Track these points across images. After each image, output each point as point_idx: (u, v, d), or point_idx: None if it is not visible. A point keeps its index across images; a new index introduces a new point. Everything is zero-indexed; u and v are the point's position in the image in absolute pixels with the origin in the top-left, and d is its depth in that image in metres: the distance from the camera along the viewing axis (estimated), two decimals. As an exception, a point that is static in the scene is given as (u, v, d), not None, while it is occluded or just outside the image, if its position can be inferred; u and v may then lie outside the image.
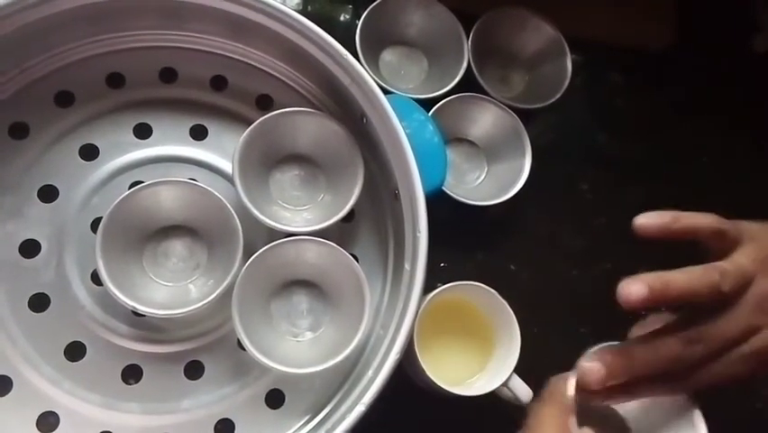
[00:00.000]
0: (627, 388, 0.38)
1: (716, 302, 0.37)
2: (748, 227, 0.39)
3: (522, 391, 0.44)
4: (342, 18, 0.61)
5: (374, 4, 0.56)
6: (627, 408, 0.42)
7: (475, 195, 0.54)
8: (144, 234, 0.45)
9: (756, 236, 0.39)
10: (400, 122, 0.44)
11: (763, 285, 0.37)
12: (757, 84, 0.67)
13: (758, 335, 0.37)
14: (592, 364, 0.36)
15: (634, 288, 0.35)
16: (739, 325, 0.37)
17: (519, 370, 0.44)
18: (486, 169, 0.58)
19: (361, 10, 0.56)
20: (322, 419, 0.43)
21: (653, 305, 0.35)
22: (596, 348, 0.38)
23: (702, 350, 0.36)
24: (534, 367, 0.42)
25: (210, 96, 0.51)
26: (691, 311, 0.38)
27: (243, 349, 0.41)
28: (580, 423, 0.35)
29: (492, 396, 0.43)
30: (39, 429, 0.41)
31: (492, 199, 0.53)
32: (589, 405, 0.37)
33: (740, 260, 0.37)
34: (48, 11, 0.43)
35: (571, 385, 0.36)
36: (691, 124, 0.65)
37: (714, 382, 0.37)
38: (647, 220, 0.38)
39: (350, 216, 0.49)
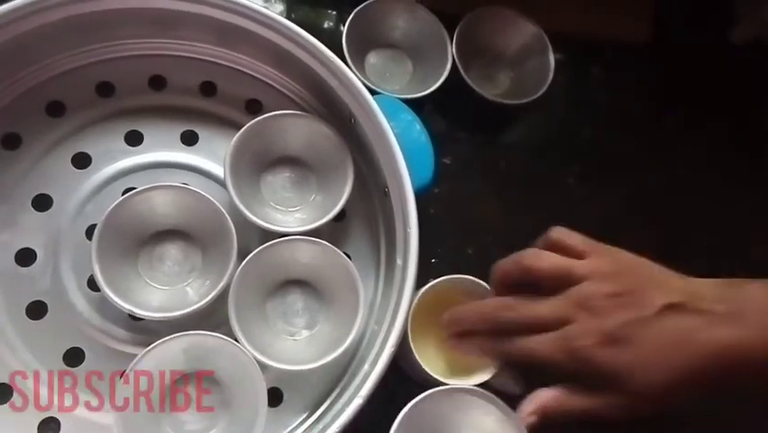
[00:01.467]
0: (460, 338, 0.44)
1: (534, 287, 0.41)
2: (599, 247, 0.42)
3: (513, 380, 0.45)
4: (325, 25, 0.62)
5: (359, 7, 0.57)
6: None
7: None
8: (139, 240, 0.45)
9: (603, 253, 0.42)
10: (388, 122, 0.45)
11: (590, 289, 0.40)
12: (736, 74, 0.68)
13: (569, 325, 0.39)
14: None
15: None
16: (552, 310, 0.40)
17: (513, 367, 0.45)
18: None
19: (345, 15, 0.57)
20: (320, 415, 0.44)
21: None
22: None
23: (512, 316, 0.41)
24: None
25: (200, 101, 0.51)
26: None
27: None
28: None
29: (485, 387, 0.44)
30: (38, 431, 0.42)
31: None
32: None
33: (574, 264, 0.41)
34: (36, 22, 0.44)
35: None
36: (673, 115, 0.67)
37: (523, 355, 0.41)
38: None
39: (341, 216, 0.50)
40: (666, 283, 0.40)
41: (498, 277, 0.44)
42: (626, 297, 0.39)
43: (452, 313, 0.44)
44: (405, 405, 0.40)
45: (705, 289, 0.40)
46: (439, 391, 0.41)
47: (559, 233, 0.43)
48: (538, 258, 0.42)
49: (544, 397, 0.40)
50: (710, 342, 0.37)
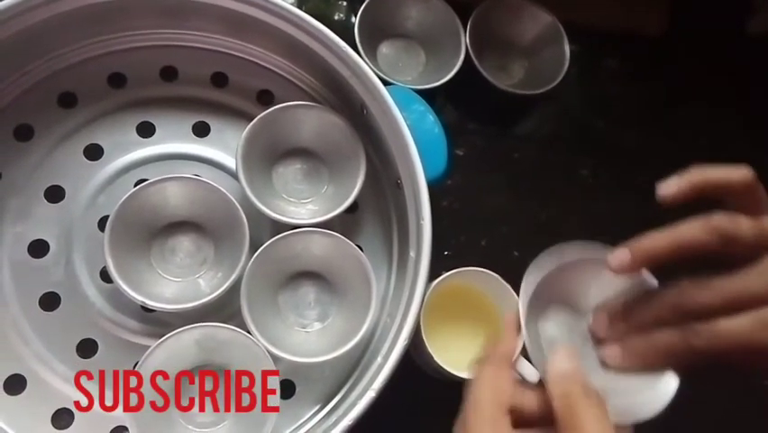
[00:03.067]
0: (640, 334, 0.34)
1: (731, 256, 0.32)
2: None
3: (529, 373, 0.44)
4: (336, 17, 0.62)
5: (371, -2, 0.56)
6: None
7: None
8: (151, 231, 0.45)
9: None
10: (401, 112, 0.44)
11: None
12: (752, 66, 0.67)
13: None
14: (596, 316, 0.36)
15: (616, 254, 0.34)
16: (761, 279, 0.31)
17: (526, 354, 0.44)
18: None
19: (357, 6, 0.56)
20: (333, 407, 0.44)
21: (645, 264, 0.34)
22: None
23: (710, 296, 0.32)
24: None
25: (211, 93, 0.51)
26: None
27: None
28: None
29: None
30: (54, 426, 0.42)
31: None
32: None
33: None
34: (47, 13, 0.44)
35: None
36: (688, 107, 0.66)
37: (734, 343, 0.31)
38: (668, 188, 0.36)
39: (353, 208, 0.49)
40: None
41: (672, 248, 0.33)
42: None
43: (607, 311, 0.35)
44: (416, 397, 0.39)
45: None
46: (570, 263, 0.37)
47: (751, 177, 0.35)
48: (738, 222, 0.33)
49: None
50: None
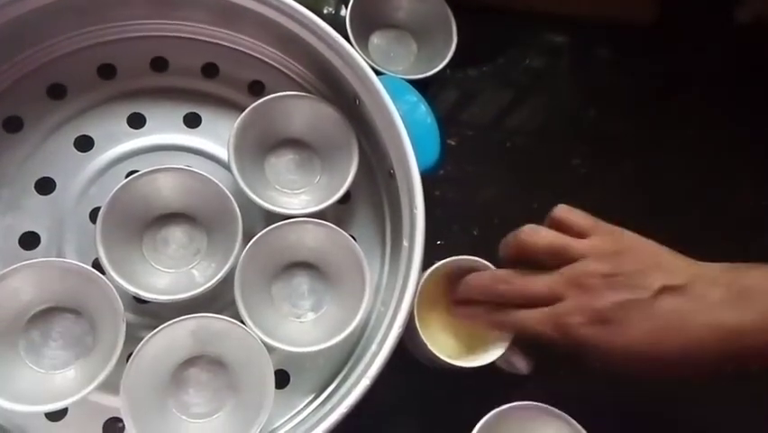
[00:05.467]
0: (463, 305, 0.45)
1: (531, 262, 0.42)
2: (602, 226, 0.42)
3: (520, 361, 0.45)
4: (326, 11, 0.62)
5: (362, -13, 0.56)
6: None
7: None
8: (143, 223, 0.45)
9: (605, 232, 0.42)
10: (393, 102, 0.44)
11: (587, 267, 0.40)
12: (741, 55, 0.67)
13: (561, 302, 0.40)
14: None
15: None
16: (546, 286, 0.40)
17: (517, 341, 0.45)
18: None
19: (347, -1, 0.56)
20: (327, 396, 0.44)
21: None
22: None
23: (507, 289, 0.42)
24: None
25: (202, 83, 0.51)
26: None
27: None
28: None
29: (492, 367, 0.44)
30: (48, 419, 0.42)
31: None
32: None
33: (571, 242, 0.41)
34: (36, 3, 0.44)
35: None
36: (678, 96, 0.66)
37: (516, 327, 0.42)
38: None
39: (346, 198, 0.49)
40: (669, 265, 0.40)
41: (502, 253, 0.44)
42: (621, 277, 0.39)
43: (463, 281, 0.45)
44: (410, 385, 0.40)
45: (709, 271, 0.39)
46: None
47: (562, 211, 0.43)
48: (535, 234, 0.42)
49: None
50: (710, 325, 0.37)
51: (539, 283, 0.41)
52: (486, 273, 0.44)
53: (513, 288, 0.42)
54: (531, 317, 0.41)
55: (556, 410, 0.42)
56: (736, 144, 0.65)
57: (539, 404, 0.42)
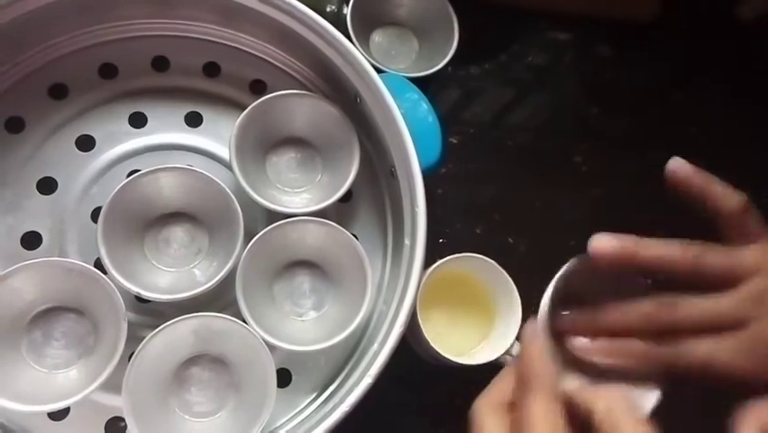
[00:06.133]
0: (607, 347, 0.36)
1: (700, 282, 0.34)
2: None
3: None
4: (328, 9, 0.61)
5: (364, -15, 0.56)
6: None
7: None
8: (145, 222, 0.45)
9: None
10: (394, 100, 0.44)
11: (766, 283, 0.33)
12: (743, 51, 0.67)
13: (753, 326, 0.32)
14: (565, 314, 0.36)
15: (604, 239, 0.35)
16: (730, 307, 0.33)
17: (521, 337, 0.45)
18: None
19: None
20: (329, 395, 0.44)
21: (623, 264, 0.34)
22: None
23: (677, 314, 0.34)
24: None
25: (203, 82, 0.51)
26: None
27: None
28: None
29: (496, 365, 0.44)
30: (50, 418, 0.42)
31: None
32: None
33: (743, 253, 0.34)
34: (37, 3, 0.43)
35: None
36: (680, 93, 0.66)
37: (702, 364, 0.33)
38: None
39: (348, 196, 0.49)
40: None
41: (647, 260, 0.35)
42: None
43: (593, 312, 0.36)
44: (413, 382, 0.39)
45: None
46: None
47: (736, 205, 0.35)
48: (712, 252, 0.34)
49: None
50: None
51: (722, 305, 0.33)
52: (645, 300, 0.35)
53: (694, 313, 0.33)
54: (721, 349, 0.32)
55: None
56: (738, 141, 0.65)
57: None
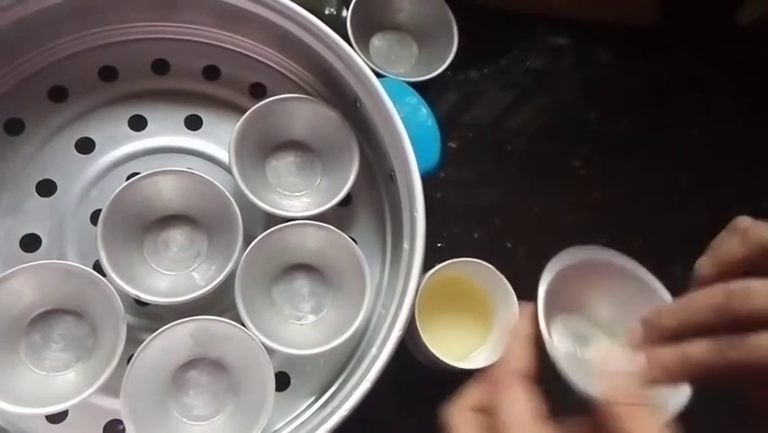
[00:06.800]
0: (671, 344, 0.31)
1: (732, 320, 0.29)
2: None
3: None
4: (327, 11, 0.62)
5: (363, -10, 0.56)
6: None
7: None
8: (144, 225, 0.45)
9: None
10: (394, 105, 0.44)
11: None
12: (742, 56, 0.67)
13: None
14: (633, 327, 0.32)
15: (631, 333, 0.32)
16: None
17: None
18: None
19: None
20: (328, 399, 0.44)
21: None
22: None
23: (756, 303, 0.28)
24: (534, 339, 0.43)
25: (203, 85, 0.51)
26: None
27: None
28: None
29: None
30: (48, 421, 0.42)
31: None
32: None
33: None
34: (38, 6, 0.44)
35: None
36: (679, 98, 0.66)
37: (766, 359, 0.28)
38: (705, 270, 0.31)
39: (347, 200, 0.49)
40: None
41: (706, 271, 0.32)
42: None
43: (653, 314, 0.32)
44: (411, 387, 0.39)
45: None
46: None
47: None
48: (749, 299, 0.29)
49: None
50: None
51: None
52: (710, 291, 0.30)
53: (765, 300, 0.28)
54: None
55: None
56: (737, 145, 0.65)
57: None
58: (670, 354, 0.30)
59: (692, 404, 0.32)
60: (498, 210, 0.57)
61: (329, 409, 0.40)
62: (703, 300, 0.30)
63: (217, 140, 0.50)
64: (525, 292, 0.46)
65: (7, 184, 0.45)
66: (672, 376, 0.30)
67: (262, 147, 0.48)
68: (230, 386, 0.42)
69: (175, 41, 0.50)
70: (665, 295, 0.36)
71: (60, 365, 0.41)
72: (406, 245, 0.43)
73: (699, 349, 0.29)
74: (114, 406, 0.42)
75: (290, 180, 0.49)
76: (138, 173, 0.43)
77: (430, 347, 0.43)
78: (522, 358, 0.32)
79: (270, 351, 0.40)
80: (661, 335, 0.31)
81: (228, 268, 0.42)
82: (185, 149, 0.49)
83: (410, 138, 0.43)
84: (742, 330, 0.28)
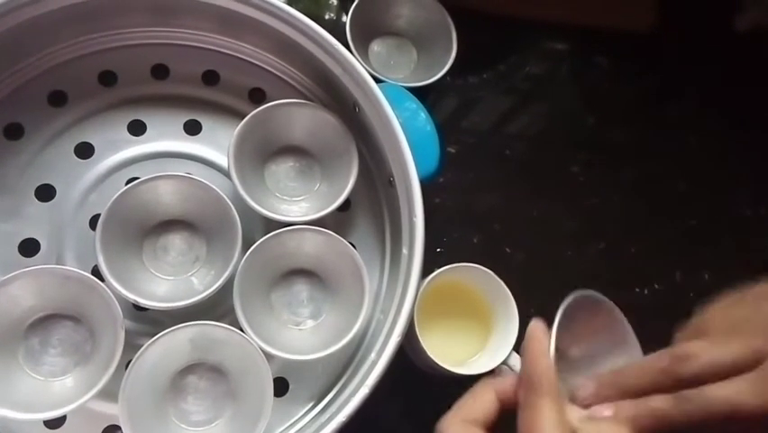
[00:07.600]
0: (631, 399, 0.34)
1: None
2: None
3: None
4: (327, 17, 0.62)
5: (363, -5, 0.57)
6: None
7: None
8: (143, 230, 0.45)
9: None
10: (393, 110, 0.44)
11: None
12: (739, 63, 0.68)
13: None
14: (584, 381, 0.35)
15: (583, 387, 0.35)
16: (744, 346, 0.32)
17: (518, 348, 0.45)
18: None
19: (348, 5, 0.56)
20: (326, 404, 0.44)
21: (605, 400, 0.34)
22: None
23: (694, 366, 0.32)
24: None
25: (203, 91, 0.51)
26: None
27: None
28: None
29: (493, 374, 0.44)
30: (46, 426, 0.42)
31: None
32: None
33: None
34: (37, 11, 0.44)
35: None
36: (677, 104, 0.66)
37: (728, 410, 0.31)
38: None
39: (346, 205, 0.49)
40: None
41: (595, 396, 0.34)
42: None
43: (611, 377, 0.35)
44: (410, 392, 0.39)
45: None
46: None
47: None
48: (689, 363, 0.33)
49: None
50: None
51: (735, 346, 0.32)
52: (658, 355, 0.34)
53: (703, 361, 0.32)
54: (742, 391, 0.31)
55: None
56: (735, 152, 0.65)
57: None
58: (635, 406, 0.33)
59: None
60: (497, 215, 0.57)
61: (327, 414, 0.40)
62: (652, 364, 0.34)
63: (216, 145, 0.50)
64: (524, 297, 0.46)
65: (6, 189, 0.45)
66: (632, 424, 0.32)
67: (261, 152, 0.48)
68: (228, 391, 0.42)
69: (174, 46, 0.51)
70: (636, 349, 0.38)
71: (59, 370, 0.41)
72: (405, 250, 0.43)
73: (660, 403, 0.32)
74: (113, 411, 0.42)
75: (289, 185, 0.49)
76: (137, 178, 0.43)
77: (429, 353, 0.43)
78: (551, 377, 0.32)
79: (269, 356, 0.40)
80: (625, 391, 0.34)
81: (227, 273, 0.42)
82: (184, 154, 0.49)
83: (409, 143, 0.44)
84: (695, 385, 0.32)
